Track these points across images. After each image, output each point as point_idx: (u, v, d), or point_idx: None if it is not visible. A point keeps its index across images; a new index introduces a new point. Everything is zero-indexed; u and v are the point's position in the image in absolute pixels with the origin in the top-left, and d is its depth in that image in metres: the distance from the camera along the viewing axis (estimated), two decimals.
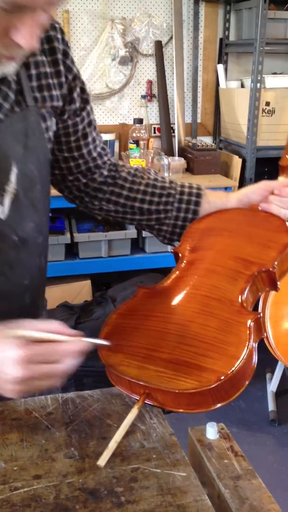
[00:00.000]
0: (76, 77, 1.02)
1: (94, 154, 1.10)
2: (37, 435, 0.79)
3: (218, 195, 1.15)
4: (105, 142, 2.82)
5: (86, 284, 2.78)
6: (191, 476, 0.71)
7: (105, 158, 1.13)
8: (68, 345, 0.77)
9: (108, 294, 2.65)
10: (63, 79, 0.99)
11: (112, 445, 0.74)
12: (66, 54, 0.99)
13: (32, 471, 0.72)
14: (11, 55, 0.77)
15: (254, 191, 1.11)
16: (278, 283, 0.96)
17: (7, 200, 0.89)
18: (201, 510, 0.65)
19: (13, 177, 0.89)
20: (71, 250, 2.74)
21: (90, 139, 1.08)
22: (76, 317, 2.53)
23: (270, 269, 0.94)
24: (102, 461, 0.72)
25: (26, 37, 0.73)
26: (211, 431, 0.80)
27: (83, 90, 1.05)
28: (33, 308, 1.05)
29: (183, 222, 1.12)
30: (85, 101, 1.06)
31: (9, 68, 0.82)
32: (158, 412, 0.84)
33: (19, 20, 0.72)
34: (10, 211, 0.90)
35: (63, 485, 0.70)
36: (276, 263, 0.95)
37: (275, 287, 0.96)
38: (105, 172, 1.14)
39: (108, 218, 1.20)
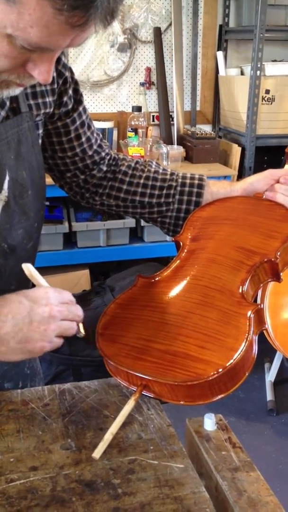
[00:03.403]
0: (67, 80, 1.01)
1: (90, 152, 1.09)
2: (33, 426, 0.78)
3: (222, 185, 1.13)
4: (103, 130, 2.81)
5: (85, 273, 2.77)
6: (188, 468, 0.71)
7: (103, 154, 1.12)
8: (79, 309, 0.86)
9: (107, 283, 2.64)
10: (55, 85, 0.98)
11: (108, 437, 0.73)
12: (58, 59, 0.97)
13: (29, 463, 0.72)
14: (22, 83, 0.78)
15: (259, 179, 1.09)
16: (281, 273, 0.95)
17: None
18: (199, 502, 0.65)
19: (5, 184, 0.88)
20: (70, 239, 2.73)
21: (83, 139, 1.07)
22: None
23: (273, 259, 0.92)
24: (97, 454, 0.72)
25: (43, 72, 0.74)
26: (209, 422, 0.80)
27: (76, 91, 1.03)
28: None
29: (185, 214, 1.11)
30: (78, 102, 1.04)
31: (16, 91, 0.81)
32: (155, 403, 0.83)
33: (38, 57, 0.72)
34: (0, 218, 0.89)
35: (60, 477, 0.69)
36: (279, 253, 0.93)
37: (277, 278, 0.94)
38: (104, 168, 1.12)
39: (110, 212, 1.19)
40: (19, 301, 0.80)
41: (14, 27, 0.66)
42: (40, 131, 0.99)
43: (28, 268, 0.84)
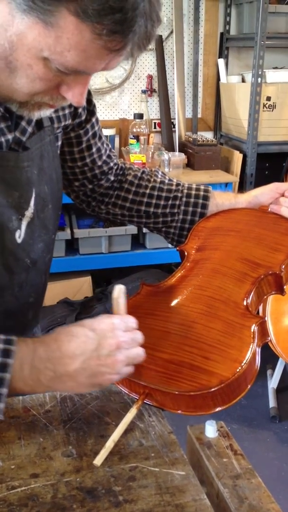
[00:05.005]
0: None
1: (99, 163, 1.09)
2: (34, 433, 0.78)
3: (227, 197, 1.14)
4: (105, 137, 2.82)
5: (87, 280, 2.77)
6: (189, 475, 0.71)
7: (111, 164, 1.12)
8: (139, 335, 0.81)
9: (109, 290, 2.64)
10: None
11: (109, 444, 0.73)
12: None
13: (30, 470, 0.72)
14: (54, 104, 0.78)
15: (264, 192, 1.10)
16: (285, 286, 0.95)
17: (24, 225, 0.88)
18: (200, 510, 0.65)
19: (32, 201, 0.88)
20: (72, 246, 2.73)
21: (94, 149, 1.07)
22: (77, 313, 2.52)
23: (277, 272, 0.93)
24: (98, 461, 0.72)
25: (77, 95, 0.74)
26: (210, 430, 0.79)
27: (89, 101, 1.04)
28: (33, 322, 1.05)
29: (190, 225, 1.12)
30: (91, 113, 1.04)
31: (47, 113, 0.81)
32: (157, 410, 0.83)
33: (73, 80, 0.72)
34: (25, 234, 0.89)
35: (61, 484, 0.69)
36: (283, 266, 0.94)
37: (281, 291, 0.95)
38: (112, 177, 1.13)
39: (115, 220, 1.19)
40: (86, 335, 0.77)
41: (51, 51, 0.66)
42: (59, 143, 0.99)
43: (120, 291, 0.82)
